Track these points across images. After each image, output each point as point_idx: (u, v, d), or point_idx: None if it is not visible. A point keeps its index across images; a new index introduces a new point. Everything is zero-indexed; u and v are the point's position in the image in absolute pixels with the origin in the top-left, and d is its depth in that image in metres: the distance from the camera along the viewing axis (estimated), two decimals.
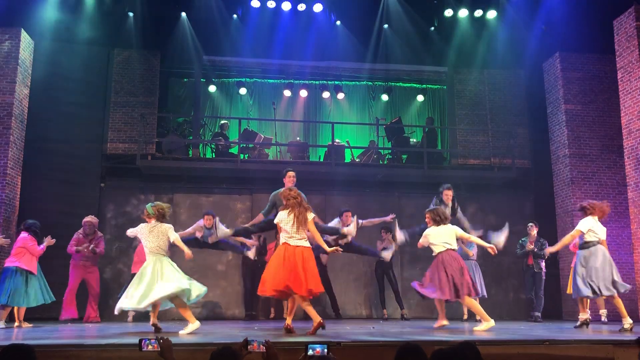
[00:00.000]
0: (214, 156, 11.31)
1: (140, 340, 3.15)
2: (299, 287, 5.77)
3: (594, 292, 6.81)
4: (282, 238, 6.01)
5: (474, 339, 5.21)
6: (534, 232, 9.30)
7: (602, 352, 4.72)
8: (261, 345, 3.14)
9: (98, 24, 10.58)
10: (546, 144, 11.34)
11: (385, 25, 11.61)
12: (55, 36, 10.29)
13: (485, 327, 6.44)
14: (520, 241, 9.39)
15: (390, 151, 11.79)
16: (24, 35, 9.71)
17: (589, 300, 7.77)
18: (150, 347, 3.15)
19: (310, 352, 3.09)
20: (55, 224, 8.79)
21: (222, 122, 11.81)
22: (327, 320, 9.06)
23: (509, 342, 4.98)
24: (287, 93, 12.54)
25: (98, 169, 10.62)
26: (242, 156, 10.74)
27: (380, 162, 11.55)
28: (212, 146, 11.51)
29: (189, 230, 8.25)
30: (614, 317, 8.87)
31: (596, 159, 10.68)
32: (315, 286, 5.86)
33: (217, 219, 8.20)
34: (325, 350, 3.09)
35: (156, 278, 6.04)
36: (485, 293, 9.05)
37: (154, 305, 6.18)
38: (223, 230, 7.91)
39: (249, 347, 3.15)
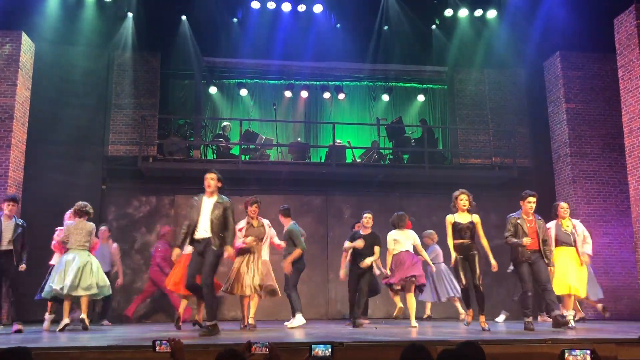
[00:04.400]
0: (215, 157, 11.31)
1: (154, 342, 3.17)
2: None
3: None
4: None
5: (477, 338, 5.20)
6: None
7: (605, 351, 4.71)
8: (263, 347, 3.14)
9: (98, 26, 10.60)
10: (547, 143, 11.34)
11: (386, 27, 11.62)
12: (56, 39, 10.31)
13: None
14: None
15: (391, 151, 11.79)
16: (25, 38, 9.72)
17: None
18: (159, 348, 3.16)
19: (313, 353, 3.09)
20: (56, 226, 8.78)
21: (224, 124, 11.81)
22: (328, 321, 9.05)
23: (511, 342, 4.98)
24: (287, 94, 12.54)
25: (99, 171, 10.63)
26: (243, 157, 10.75)
27: (382, 163, 11.55)
28: (213, 147, 11.52)
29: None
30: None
31: (597, 158, 10.68)
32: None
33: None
34: (329, 350, 3.09)
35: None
36: (455, 294, 9.07)
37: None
38: None
39: (252, 349, 3.15)
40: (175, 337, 3.21)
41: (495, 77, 12.05)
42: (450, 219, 6.77)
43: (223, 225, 6.07)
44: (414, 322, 7.49)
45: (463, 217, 6.73)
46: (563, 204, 7.51)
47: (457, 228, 6.69)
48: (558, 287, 7.07)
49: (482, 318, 6.60)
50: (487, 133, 11.79)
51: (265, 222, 7.52)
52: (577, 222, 7.77)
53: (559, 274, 7.09)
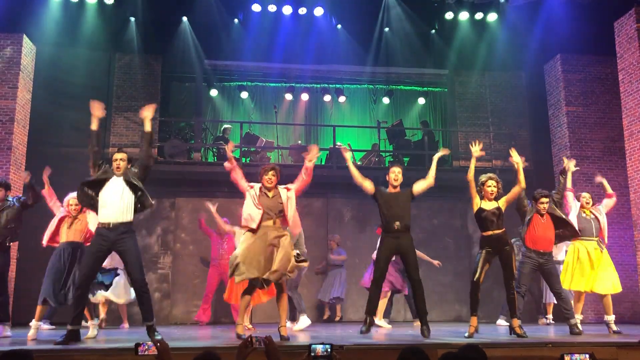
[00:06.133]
0: (215, 160, 11.32)
1: (137, 345, 3.11)
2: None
3: None
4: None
5: (478, 341, 5.20)
6: None
7: (606, 354, 4.71)
8: (259, 341, 3.15)
9: (100, 28, 10.61)
10: (548, 146, 11.34)
11: (386, 29, 11.63)
12: (57, 41, 10.32)
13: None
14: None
15: (391, 154, 11.80)
16: (26, 40, 9.73)
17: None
18: (148, 351, 3.11)
19: (312, 353, 3.10)
20: None
21: (225, 126, 11.83)
22: (328, 323, 9.06)
23: (512, 345, 4.99)
24: (288, 96, 12.55)
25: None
26: (243, 160, 10.76)
27: (382, 165, 11.54)
28: (214, 150, 11.52)
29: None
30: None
31: (598, 161, 10.68)
32: None
33: None
34: (329, 349, 3.09)
35: None
36: (342, 295, 9.87)
37: None
38: None
39: (253, 343, 3.17)
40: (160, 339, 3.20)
41: (496, 80, 12.06)
42: (475, 205, 5.96)
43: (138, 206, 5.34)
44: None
45: (488, 204, 5.91)
46: (585, 194, 7.11)
47: (481, 216, 5.82)
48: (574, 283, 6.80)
49: (516, 322, 5.79)
50: (487, 136, 11.79)
51: (285, 193, 5.61)
52: (601, 209, 7.10)
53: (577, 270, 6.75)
